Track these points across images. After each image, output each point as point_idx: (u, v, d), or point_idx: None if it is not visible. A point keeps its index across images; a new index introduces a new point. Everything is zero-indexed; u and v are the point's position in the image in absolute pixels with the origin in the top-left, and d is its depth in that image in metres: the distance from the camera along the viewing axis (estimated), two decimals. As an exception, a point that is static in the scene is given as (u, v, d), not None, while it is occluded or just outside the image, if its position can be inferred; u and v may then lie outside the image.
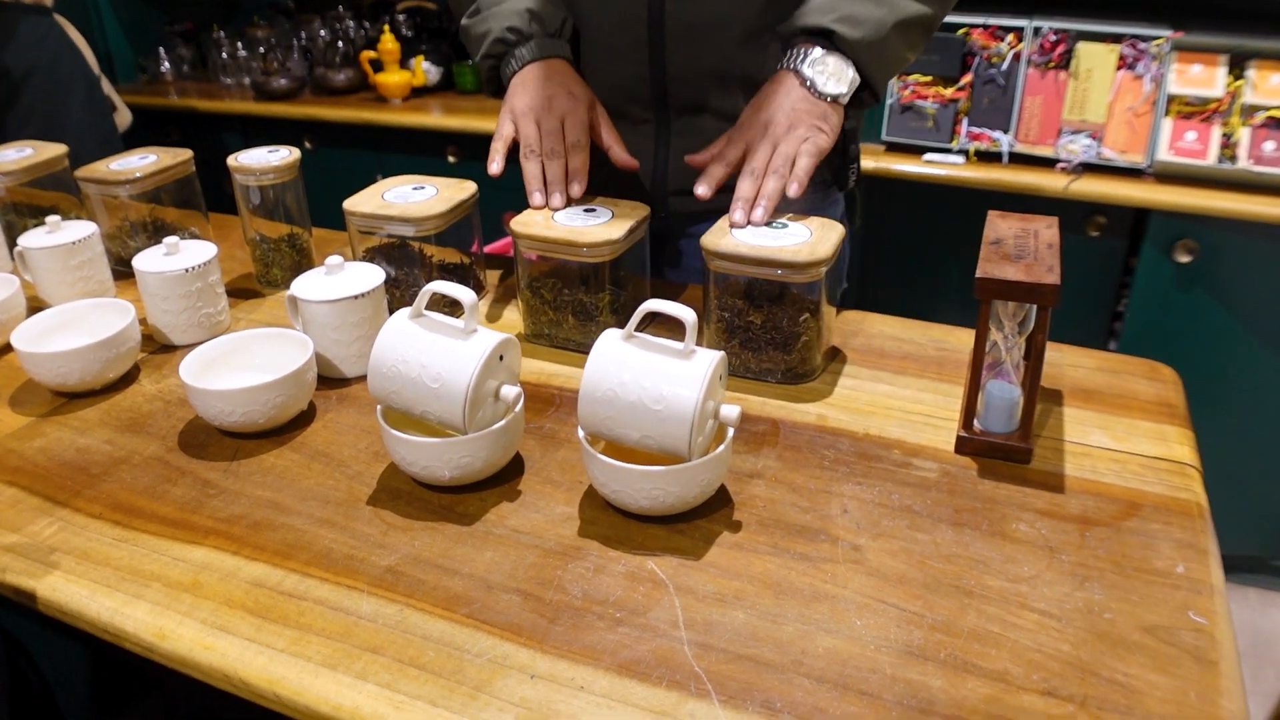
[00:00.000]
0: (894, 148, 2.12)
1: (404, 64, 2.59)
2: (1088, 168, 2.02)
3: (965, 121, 2.06)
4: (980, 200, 2.05)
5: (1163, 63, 1.96)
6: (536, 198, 1.06)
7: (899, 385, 0.97)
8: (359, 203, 1.07)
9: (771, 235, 0.94)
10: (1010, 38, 2.01)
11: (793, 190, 0.99)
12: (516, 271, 1.04)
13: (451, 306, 0.87)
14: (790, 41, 1.08)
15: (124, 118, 2.14)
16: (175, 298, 1.05)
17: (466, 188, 1.10)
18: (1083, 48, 1.99)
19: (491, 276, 1.25)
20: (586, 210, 1.03)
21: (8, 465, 0.89)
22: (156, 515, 0.80)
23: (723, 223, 0.98)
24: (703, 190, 1.02)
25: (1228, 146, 1.95)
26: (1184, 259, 1.97)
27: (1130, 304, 2.05)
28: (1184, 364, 2.01)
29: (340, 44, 2.76)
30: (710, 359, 0.73)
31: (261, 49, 2.87)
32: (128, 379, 1.02)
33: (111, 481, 0.85)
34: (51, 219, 1.17)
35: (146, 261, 1.06)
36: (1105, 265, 2.08)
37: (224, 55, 2.94)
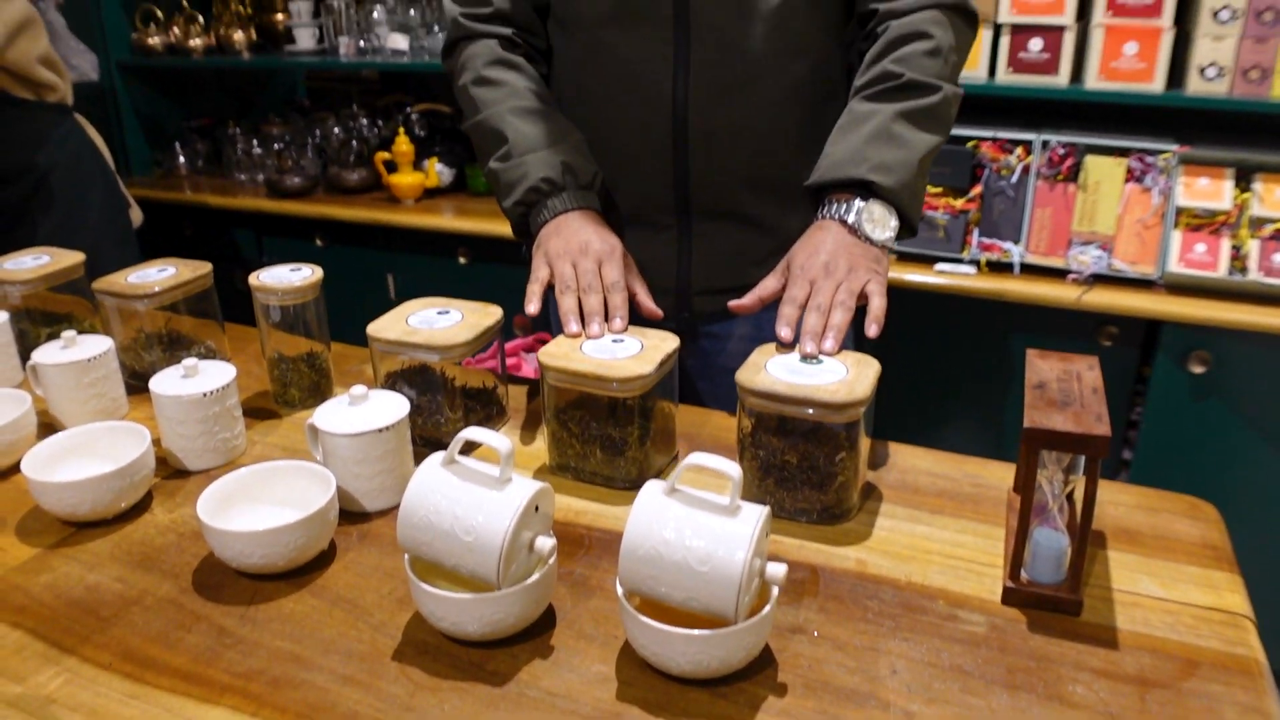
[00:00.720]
0: (906, 257, 2.13)
1: (417, 165, 2.62)
2: (1099, 278, 2.02)
3: (976, 232, 2.07)
4: (993, 311, 2.05)
5: (1170, 176, 1.98)
6: (572, 325, 1.05)
7: (937, 526, 0.94)
8: (383, 328, 1.05)
9: (807, 372, 0.92)
10: (1019, 150, 2.03)
11: (872, 330, 1.01)
12: (542, 398, 1.02)
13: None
14: (825, 191, 1.11)
15: (136, 215, 2.14)
16: (192, 422, 1.03)
17: (492, 313, 1.09)
18: (1091, 161, 2.01)
19: (514, 394, 1.23)
20: (615, 340, 1.02)
21: (13, 603, 0.85)
22: (170, 667, 0.77)
23: (758, 356, 0.97)
24: (785, 333, 1.01)
25: (1238, 258, 1.96)
26: (1198, 370, 1.96)
27: (1146, 415, 2.04)
28: (1200, 474, 2.01)
29: (354, 143, 2.79)
30: (757, 516, 0.70)
31: (276, 145, 2.90)
32: (140, 508, 0.99)
33: (122, 625, 0.82)
34: (67, 334, 1.15)
35: (164, 384, 1.03)
36: (1119, 374, 2.07)
37: (239, 151, 2.97)
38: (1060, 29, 1.97)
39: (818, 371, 0.92)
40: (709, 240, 1.24)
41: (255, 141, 2.97)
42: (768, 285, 1.09)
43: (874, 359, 0.97)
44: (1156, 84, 1.96)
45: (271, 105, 3.40)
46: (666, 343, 1.01)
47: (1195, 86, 1.95)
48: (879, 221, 1.08)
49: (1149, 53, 1.93)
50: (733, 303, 1.10)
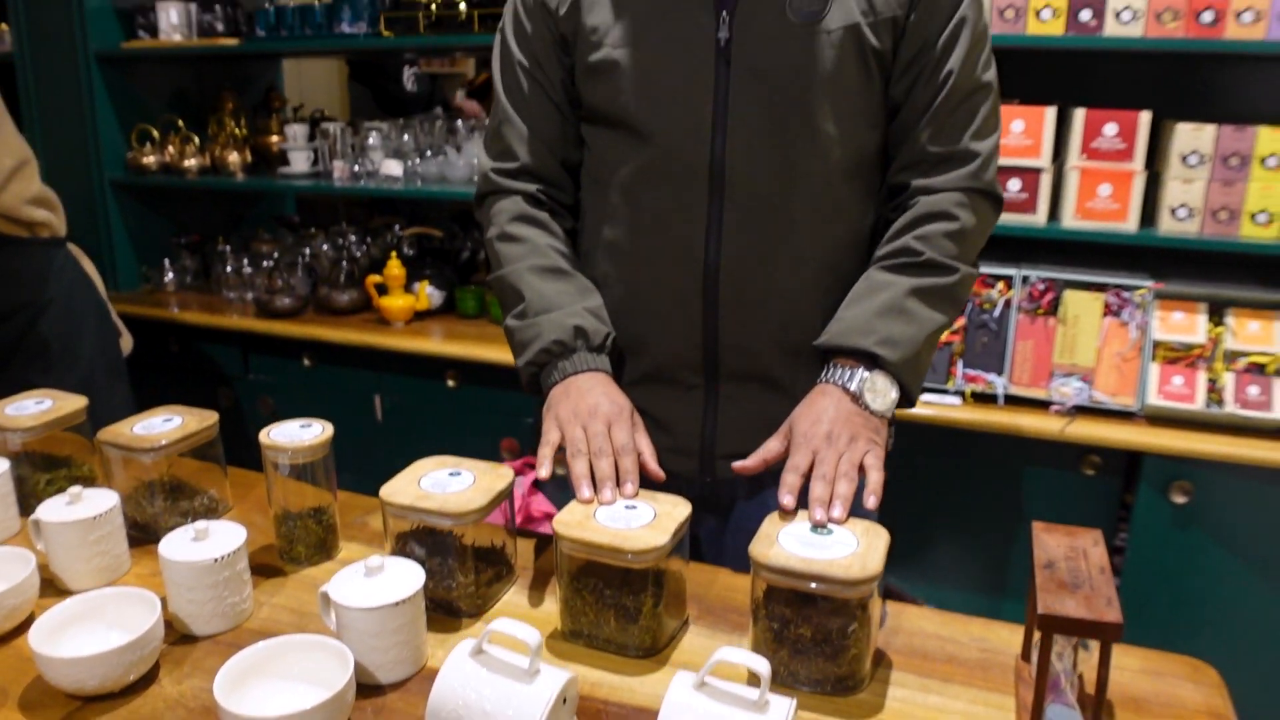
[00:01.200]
0: (892, 386, 2.17)
1: (408, 288, 2.65)
2: (1081, 409, 2.07)
3: (960, 364, 2.12)
4: (979, 441, 2.09)
5: (1146, 311, 2.04)
6: (585, 492, 1.07)
7: (949, 695, 0.95)
8: (396, 492, 1.06)
9: (819, 545, 0.94)
10: (1000, 285, 2.10)
11: (871, 503, 1.04)
12: (556, 564, 1.03)
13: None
14: (830, 356, 1.14)
15: (127, 343, 2.15)
16: (202, 588, 1.03)
17: (503, 476, 1.10)
18: (1069, 295, 2.08)
19: (523, 548, 1.23)
20: (628, 506, 1.03)
21: (20, 788, 0.84)
22: None
23: (769, 526, 0.99)
24: (788, 501, 1.04)
25: (1214, 391, 2.02)
26: (1180, 500, 2.00)
27: (1130, 544, 2.07)
28: (1185, 602, 2.03)
29: (345, 263, 2.83)
30: (785, 709, 0.71)
31: (266, 263, 2.94)
32: (148, 678, 0.98)
33: (135, 814, 0.80)
34: (73, 490, 1.15)
35: (174, 549, 1.03)
36: (1102, 503, 2.11)
37: (228, 269, 3.00)
38: (1037, 171, 2.05)
39: (829, 544, 0.94)
40: (735, 403, 1.25)
41: (245, 260, 3.00)
42: (771, 448, 1.12)
43: (882, 528, 0.99)
44: (1130, 224, 2.04)
45: (261, 219, 3.45)
46: (679, 509, 1.03)
47: (1167, 226, 2.03)
48: (880, 392, 1.12)
49: (1122, 194, 2.02)
50: (737, 464, 1.12)
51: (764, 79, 1.14)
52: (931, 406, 2.09)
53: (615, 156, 1.24)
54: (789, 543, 0.94)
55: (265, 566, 1.19)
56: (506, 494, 1.09)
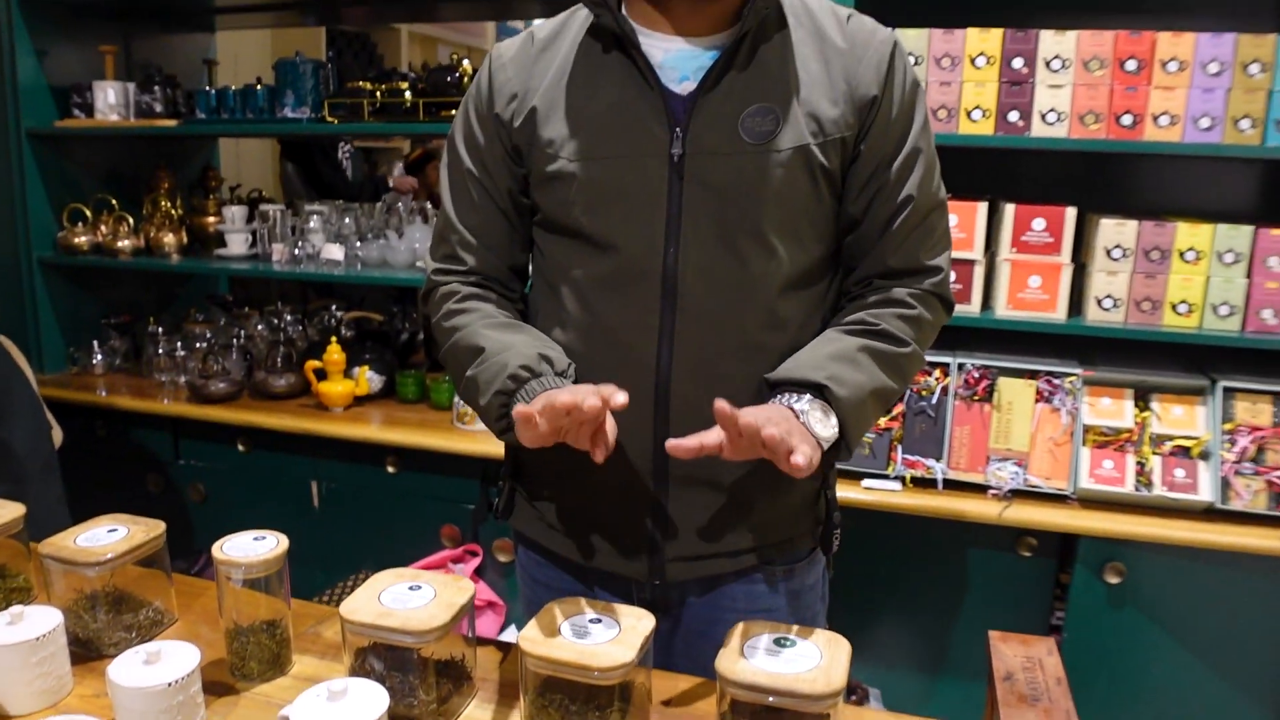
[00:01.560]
0: (836, 472, 2.21)
1: (347, 373, 2.62)
2: (1017, 493, 2.12)
3: (900, 449, 2.17)
4: (919, 525, 2.12)
5: (1076, 397, 2.12)
6: (591, 399, 1.03)
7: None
8: (356, 609, 1.04)
9: (783, 658, 0.95)
10: (938, 372, 2.16)
11: (799, 461, 1.00)
12: (520, 676, 1.02)
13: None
14: (778, 387, 1.16)
15: (58, 436, 2.10)
16: (155, 713, 0.99)
17: (464, 589, 1.09)
18: (1003, 382, 2.14)
19: (483, 659, 1.21)
20: (593, 620, 1.03)
21: None
22: None
23: (735, 640, 0.99)
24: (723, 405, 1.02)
25: (1143, 474, 2.09)
26: (1114, 580, 2.06)
27: (1068, 622, 2.11)
28: (1122, 680, 2.07)
29: (281, 346, 2.79)
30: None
31: (199, 345, 2.88)
32: (94, 812, 0.94)
33: None
34: (14, 610, 1.11)
35: (125, 674, 1.00)
36: (1038, 583, 2.16)
37: (159, 351, 2.93)
38: (971, 262, 2.13)
39: (793, 656, 0.95)
40: (685, 507, 1.25)
41: (178, 341, 2.94)
42: (710, 436, 1.07)
43: (843, 638, 1.00)
44: (1059, 313, 2.12)
45: (193, 299, 3.39)
46: (643, 623, 1.03)
47: (1094, 315, 2.11)
48: (822, 421, 1.11)
49: (1051, 285, 2.10)
50: (670, 442, 1.07)
51: (716, 194, 1.17)
52: (873, 492, 2.12)
53: (569, 263, 1.25)
54: (754, 656, 0.95)
55: (216, 684, 1.15)
56: (468, 609, 1.08)
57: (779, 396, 1.14)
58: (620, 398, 1.03)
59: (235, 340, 2.90)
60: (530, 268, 1.36)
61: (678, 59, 1.19)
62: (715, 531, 1.25)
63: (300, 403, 2.70)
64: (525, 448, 1.12)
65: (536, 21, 1.30)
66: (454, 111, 2.42)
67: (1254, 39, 1.96)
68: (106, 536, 1.23)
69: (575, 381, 1.20)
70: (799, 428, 1.08)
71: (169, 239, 2.95)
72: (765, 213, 1.17)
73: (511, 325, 1.25)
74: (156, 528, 1.26)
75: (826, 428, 1.11)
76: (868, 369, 1.16)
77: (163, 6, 3.08)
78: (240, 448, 2.70)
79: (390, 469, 2.53)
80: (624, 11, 1.21)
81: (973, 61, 2.05)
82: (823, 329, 1.28)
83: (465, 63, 2.44)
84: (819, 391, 1.12)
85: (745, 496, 1.24)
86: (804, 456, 0.98)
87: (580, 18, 1.25)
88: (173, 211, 3.02)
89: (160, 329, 2.99)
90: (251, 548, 1.16)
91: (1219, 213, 2.32)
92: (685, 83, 1.18)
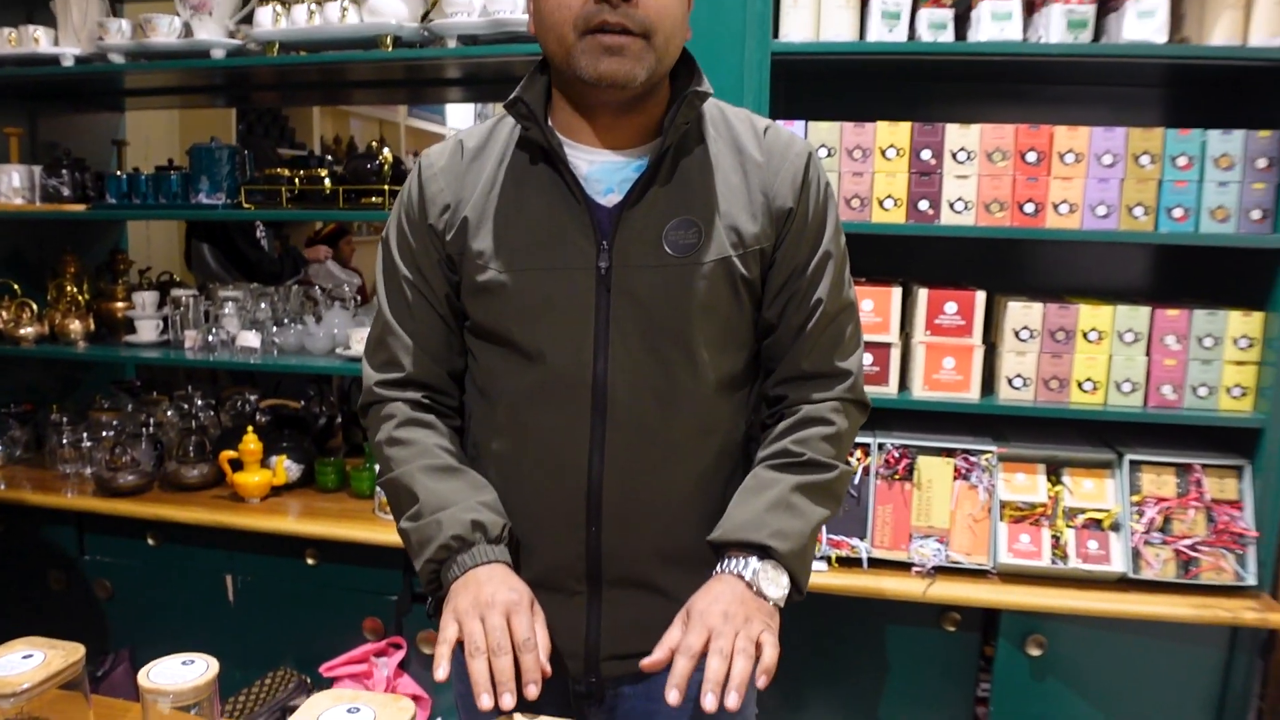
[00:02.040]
0: (762, 553, 2.22)
1: (264, 462, 2.55)
2: (940, 569, 2.15)
3: (824, 529, 2.19)
4: (845, 604, 2.14)
5: (992, 473, 2.17)
6: (485, 700, 1.05)
7: None
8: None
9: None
10: (859, 453, 2.20)
11: (761, 682, 1.06)
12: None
13: None
14: (724, 550, 1.18)
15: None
16: None
17: (405, 709, 1.05)
18: (923, 461, 2.19)
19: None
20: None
21: None
22: None
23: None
24: (674, 698, 1.05)
25: (1058, 547, 2.14)
26: (1035, 652, 2.10)
27: (993, 695, 2.15)
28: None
29: (193, 434, 2.70)
30: None
31: (106, 433, 2.78)
32: None
33: None
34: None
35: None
36: (963, 656, 2.18)
37: (63, 441, 2.81)
38: (888, 345, 2.18)
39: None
40: (618, 607, 1.27)
41: (83, 431, 2.83)
42: (673, 636, 1.12)
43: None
44: (973, 393, 2.18)
45: (99, 384, 3.28)
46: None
47: (1006, 394, 2.18)
48: (773, 580, 1.16)
49: (964, 366, 2.16)
50: (645, 661, 1.12)
51: (642, 306, 1.20)
52: (801, 573, 2.13)
53: (501, 373, 1.27)
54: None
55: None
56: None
57: (726, 563, 1.18)
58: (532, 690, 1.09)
59: (144, 428, 2.80)
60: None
61: (603, 171, 1.21)
62: (648, 630, 1.26)
63: (214, 494, 2.62)
64: None
65: (464, 128, 1.33)
66: (375, 199, 2.42)
67: (1143, 132, 2.07)
68: (22, 664, 1.16)
69: (508, 532, 1.23)
70: (743, 619, 1.10)
71: (75, 326, 2.85)
72: (690, 323, 1.21)
73: (448, 470, 1.25)
74: (75, 652, 1.20)
75: (778, 587, 1.16)
76: (804, 511, 1.20)
77: (70, 88, 3.01)
78: (150, 541, 2.60)
79: (310, 561, 2.46)
80: (550, 123, 1.23)
81: (883, 153, 2.12)
82: (749, 430, 1.31)
83: (386, 151, 2.44)
84: (764, 552, 1.16)
85: (678, 595, 1.25)
86: (737, 697, 1.03)
87: (507, 126, 1.27)
88: (79, 297, 2.92)
89: (64, 418, 2.87)
90: (180, 673, 1.11)
91: (1119, 290, 2.43)
92: (610, 195, 1.21)
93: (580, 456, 1.22)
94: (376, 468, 1.33)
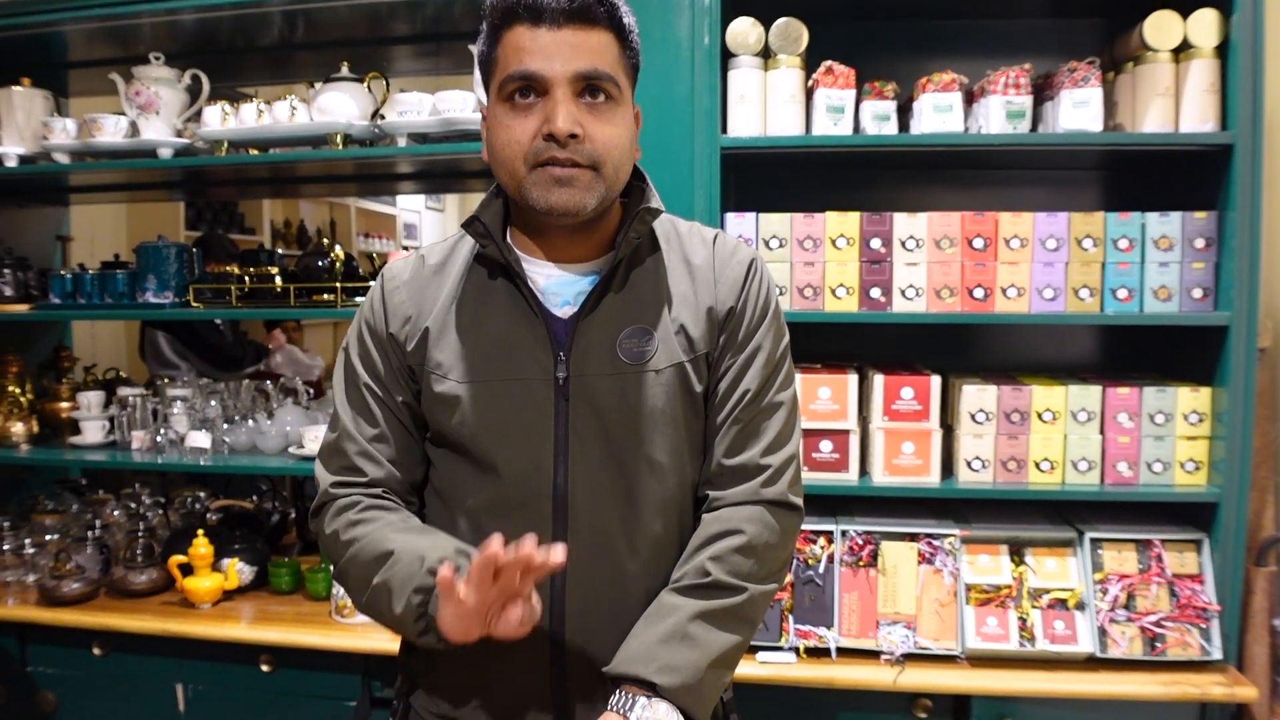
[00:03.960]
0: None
1: (215, 565, 2.48)
2: (909, 656, 2.13)
3: (791, 620, 2.17)
4: (815, 696, 2.11)
5: (956, 557, 2.17)
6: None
7: None
8: None
9: None
10: (823, 540, 2.19)
11: None
12: None
13: None
14: (617, 684, 1.16)
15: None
16: None
17: None
18: (886, 546, 2.18)
19: None
20: None
21: None
22: None
23: None
24: None
25: (1025, 629, 2.13)
26: (1007, 736, 2.08)
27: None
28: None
29: (141, 536, 2.62)
30: None
31: (51, 536, 2.68)
32: None
33: None
34: None
35: None
36: (937, 742, 2.16)
37: (5, 548, 2.71)
38: (846, 432, 2.19)
39: None
40: (587, 712, 1.24)
41: (26, 537, 2.73)
42: None
43: None
44: (933, 477, 2.18)
45: (43, 483, 3.17)
46: None
47: (965, 477, 2.19)
48: (667, 715, 1.12)
49: (923, 450, 2.17)
50: None
51: (600, 414, 1.21)
52: (768, 665, 2.10)
53: (462, 483, 1.26)
54: None
55: None
56: None
57: (614, 698, 1.15)
58: (559, 554, 1.05)
59: (90, 531, 2.71)
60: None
61: (559, 285, 1.24)
62: None
63: (163, 600, 2.53)
64: (419, 671, 1.11)
65: (424, 245, 1.36)
66: (326, 295, 2.40)
67: (1084, 216, 2.12)
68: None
69: (473, 648, 1.17)
70: None
71: (17, 428, 2.78)
72: (648, 429, 1.22)
73: (423, 530, 1.24)
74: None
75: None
76: (703, 641, 1.17)
77: (14, 186, 2.97)
78: (96, 651, 2.50)
79: (264, 667, 2.38)
80: (509, 239, 1.26)
81: (834, 243, 2.15)
82: None
83: (337, 249, 2.43)
84: (652, 689, 1.13)
85: None
86: None
87: (468, 243, 1.30)
88: (21, 399, 2.85)
89: (5, 523, 2.78)
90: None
91: (1070, 366, 2.47)
92: (566, 307, 1.24)
93: None
94: (334, 568, 1.28)
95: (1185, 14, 2.05)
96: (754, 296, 1.28)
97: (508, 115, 1.17)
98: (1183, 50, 2.08)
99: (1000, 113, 2.11)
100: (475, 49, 1.25)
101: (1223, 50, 2.05)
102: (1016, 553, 2.21)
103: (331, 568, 2.35)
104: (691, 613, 1.18)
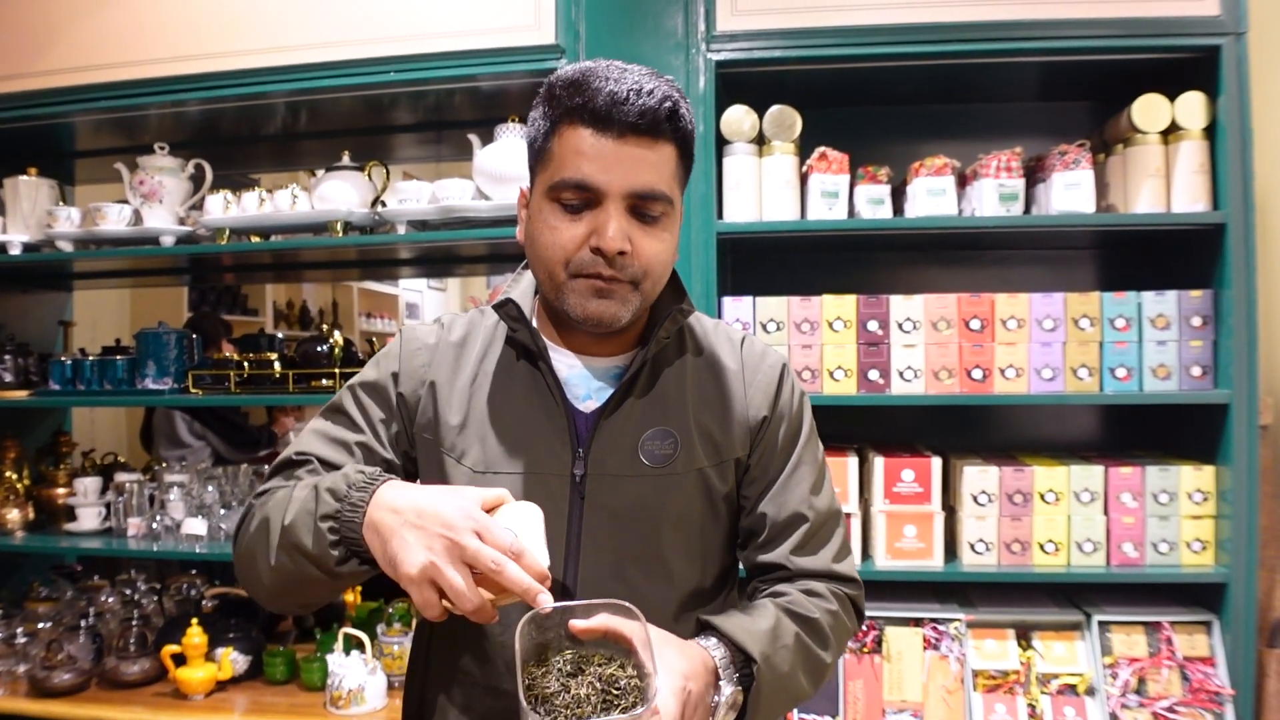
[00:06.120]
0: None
1: (209, 655, 2.44)
2: (916, 746, 2.09)
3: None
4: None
5: (962, 642, 2.13)
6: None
7: None
8: None
9: None
10: (826, 625, 2.14)
11: None
12: None
13: None
14: (713, 632, 1.12)
15: None
16: None
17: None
18: (891, 632, 2.14)
19: None
20: None
21: None
22: None
23: None
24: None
25: (1034, 716, 2.08)
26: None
27: None
28: None
29: (135, 624, 2.58)
30: None
31: (43, 624, 2.64)
32: None
33: None
34: None
35: None
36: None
37: (-4, 637, 2.67)
38: (847, 515, 2.16)
39: None
40: None
41: (18, 626, 2.69)
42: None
43: None
44: (936, 560, 2.15)
45: (37, 569, 3.14)
46: None
47: (969, 560, 2.16)
48: (730, 704, 1.08)
49: (926, 533, 2.15)
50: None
51: (616, 515, 1.18)
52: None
53: None
54: None
55: None
56: None
57: (708, 644, 1.10)
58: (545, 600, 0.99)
59: (83, 620, 2.66)
60: None
61: (582, 377, 1.22)
62: None
63: (155, 690, 2.48)
64: None
65: (445, 316, 1.32)
66: (325, 381, 2.40)
67: (1081, 296, 2.13)
68: None
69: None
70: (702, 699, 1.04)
71: (13, 515, 2.75)
72: (664, 536, 1.19)
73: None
74: None
75: (731, 709, 1.09)
76: (798, 686, 1.14)
77: (18, 272, 3.00)
78: (85, 744, 2.45)
79: (256, 761, 2.33)
80: (535, 324, 1.24)
81: (831, 325, 2.15)
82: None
83: (337, 334, 2.43)
84: (746, 663, 1.09)
85: None
86: None
87: (490, 320, 1.28)
88: (18, 485, 2.83)
89: (-1, 611, 2.74)
90: None
91: (1071, 444, 2.46)
92: (588, 401, 1.21)
93: None
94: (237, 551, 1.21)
95: (1172, 97, 2.08)
96: (788, 403, 1.26)
97: (554, 215, 1.13)
98: (1171, 132, 2.11)
99: (993, 195, 2.13)
100: (526, 131, 1.19)
101: (1211, 131, 2.08)
102: (1023, 637, 2.17)
103: (316, 655, 2.31)
104: (802, 659, 1.14)
